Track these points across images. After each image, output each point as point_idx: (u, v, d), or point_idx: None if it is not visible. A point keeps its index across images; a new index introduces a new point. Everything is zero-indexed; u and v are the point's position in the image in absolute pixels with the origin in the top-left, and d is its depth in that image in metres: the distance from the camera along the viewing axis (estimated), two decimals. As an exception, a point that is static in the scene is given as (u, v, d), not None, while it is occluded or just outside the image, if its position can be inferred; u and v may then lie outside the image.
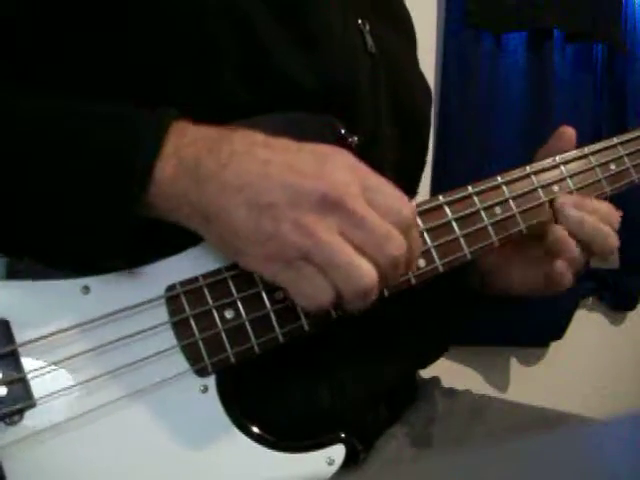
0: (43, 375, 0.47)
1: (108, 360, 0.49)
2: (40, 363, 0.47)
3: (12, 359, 0.47)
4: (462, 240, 0.60)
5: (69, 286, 0.49)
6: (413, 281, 0.57)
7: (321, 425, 0.55)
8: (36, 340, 0.47)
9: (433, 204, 0.59)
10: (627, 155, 0.72)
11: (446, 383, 0.81)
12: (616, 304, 1.94)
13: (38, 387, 0.47)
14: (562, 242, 0.64)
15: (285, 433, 0.53)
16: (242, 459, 0.51)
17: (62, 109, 0.50)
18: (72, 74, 0.55)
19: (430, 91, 0.81)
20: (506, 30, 1.60)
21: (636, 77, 1.84)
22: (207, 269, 0.52)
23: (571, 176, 0.67)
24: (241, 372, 0.52)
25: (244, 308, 0.52)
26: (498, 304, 0.79)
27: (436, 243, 0.58)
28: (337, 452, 0.54)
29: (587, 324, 1.90)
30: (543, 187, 0.65)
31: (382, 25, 0.69)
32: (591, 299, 1.92)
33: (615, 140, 0.72)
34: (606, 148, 0.71)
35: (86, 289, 0.49)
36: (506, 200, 0.63)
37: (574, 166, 0.68)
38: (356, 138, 0.56)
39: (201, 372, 0.51)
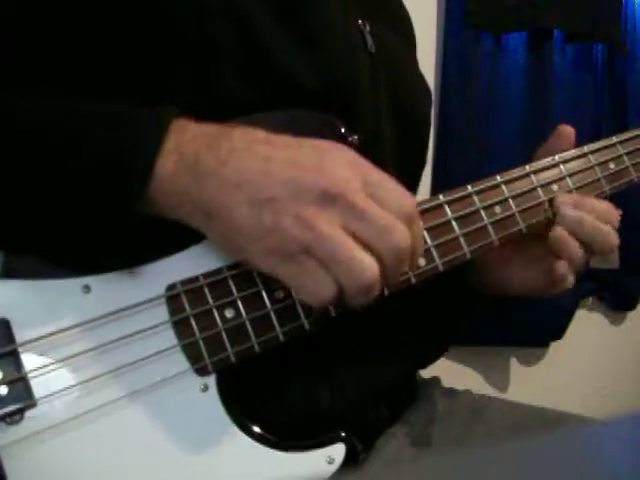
0: (44, 375, 0.47)
1: (109, 359, 0.49)
2: (41, 362, 0.47)
3: (12, 359, 0.47)
4: (462, 239, 0.60)
5: (69, 285, 0.49)
6: (413, 280, 0.57)
7: (321, 424, 0.55)
8: (36, 339, 0.47)
9: (433, 203, 0.59)
10: (626, 154, 0.72)
11: (446, 383, 0.81)
12: (616, 304, 1.94)
13: (39, 387, 0.47)
14: (562, 242, 0.64)
15: (285, 432, 0.53)
16: (242, 458, 0.51)
17: (62, 109, 0.50)
18: (72, 74, 0.55)
19: (430, 92, 0.81)
20: (506, 30, 1.60)
21: (636, 77, 1.84)
22: (207, 268, 0.52)
23: (570, 175, 0.67)
24: (241, 371, 0.52)
25: (244, 307, 0.52)
26: (498, 304, 0.79)
27: (436, 242, 0.58)
28: (337, 451, 0.54)
29: (587, 324, 1.90)
30: (542, 186, 0.66)
31: (382, 25, 0.69)
32: (591, 299, 1.92)
33: (614, 139, 0.72)
34: (605, 147, 0.71)
35: (87, 288, 0.49)
36: (506, 199, 0.63)
37: (573, 165, 0.68)
38: (356, 137, 0.57)
39: (201, 371, 0.51)
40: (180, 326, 0.50)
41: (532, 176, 0.66)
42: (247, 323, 0.51)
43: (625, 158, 0.72)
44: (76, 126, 0.49)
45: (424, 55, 0.87)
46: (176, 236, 0.51)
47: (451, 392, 0.79)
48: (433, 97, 0.83)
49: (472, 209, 0.61)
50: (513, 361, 1.80)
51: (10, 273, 0.48)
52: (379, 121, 0.66)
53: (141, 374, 0.49)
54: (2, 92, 0.52)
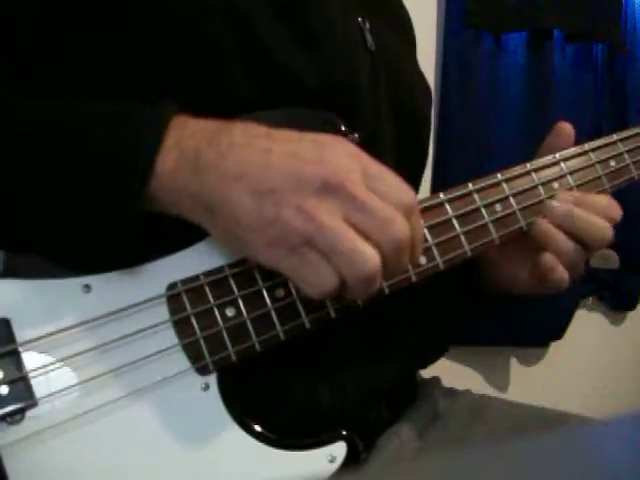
0: (44, 374, 0.47)
1: (109, 359, 0.49)
2: (41, 362, 0.47)
3: (13, 358, 0.47)
4: (463, 237, 0.60)
5: (70, 285, 0.49)
6: (414, 279, 0.57)
7: (322, 423, 0.55)
8: (37, 339, 0.47)
9: (433, 201, 0.59)
10: (627, 152, 0.72)
11: (446, 383, 0.81)
12: (616, 304, 1.94)
13: (39, 386, 0.47)
14: (546, 235, 0.63)
15: (286, 431, 0.53)
16: (243, 457, 0.51)
17: (62, 108, 0.50)
18: (72, 74, 0.55)
19: (430, 91, 0.81)
20: (506, 30, 1.60)
21: (636, 77, 1.84)
22: (208, 267, 0.52)
23: (571, 173, 0.67)
24: (242, 370, 0.52)
25: (245, 306, 0.52)
26: (499, 303, 0.79)
27: (437, 240, 0.58)
28: (338, 450, 0.54)
29: (587, 324, 1.90)
30: (543, 184, 0.66)
31: (382, 24, 0.69)
32: (591, 299, 1.92)
33: (615, 137, 0.72)
34: (606, 145, 0.71)
35: (87, 288, 0.49)
36: (506, 197, 0.63)
37: (574, 163, 0.68)
38: (356, 135, 0.57)
39: (202, 370, 0.51)
40: (181, 325, 0.50)
41: (533, 174, 0.65)
42: (248, 322, 0.51)
43: (626, 156, 0.72)
44: (76, 125, 0.49)
45: (424, 55, 0.87)
46: (176, 235, 0.51)
47: (451, 392, 0.79)
48: (433, 97, 0.83)
49: (473, 207, 0.61)
50: (513, 361, 1.80)
51: (11, 273, 0.48)
52: (379, 120, 0.66)
53: (142, 373, 0.49)
54: (2, 92, 0.52)
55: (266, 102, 0.55)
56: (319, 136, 0.49)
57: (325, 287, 0.46)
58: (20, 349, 0.47)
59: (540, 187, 0.65)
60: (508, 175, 0.64)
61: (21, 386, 0.46)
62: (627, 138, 0.72)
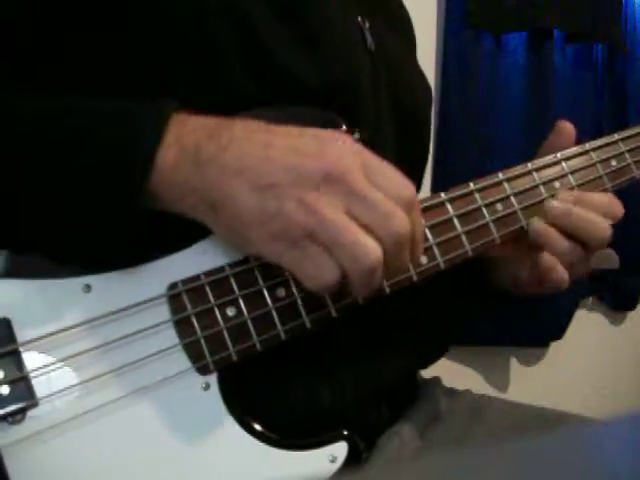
0: (45, 374, 0.47)
1: (110, 359, 0.49)
2: (42, 362, 0.47)
3: (14, 358, 0.47)
4: (463, 237, 0.60)
5: (71, 285, 0.49)
6: (415, 278, 0.57)
7: (323, 423, 0.55)
8: (38, 339, 0.47)
9: (434, 201, 0.60)
10: (628, 151, 0.72)
11: (446, 383, 0.81)
12: (616, 304, 1.94)
13: (40, 386, 0.47)
14: (540, 234, 0.63)
15: (287, 431, 0.53)
16: (244, 457, 0.51)
17: (62, 107, 0.50)
18: (72, 74, 0.55)
19: (430, 91, 0.81)
20: (506, 30, 1.60)
21: (636, 76, 1.84)
22: (208, 267, 0.52)
23: (572, 172, 0.67)
24: (243, 370, 0.52)
25: (246, 306, 0.52)
26: (499, 303, 0.79)
27: (438, 240, 0.58)
28: (340, 450, 0.53)
29: (587, 324, 1.90)
30: (544, 184, 0.66)
31: (381, 24, 0.69)
32: (591, 299, 1.92)
33: (616, 136, 0.72)
34: (607, 144, 0.71)
35: (88, 287, 0.49)
36: (507, 197, 0.63)
37: (575, 162, 0.68)
38: (357, 135, 0.57)
39: (203, 370, 0.51)
40: (181, 325, 0.50)
41: (534, 173, 0.65)
42: (249, 322, 0.51)
43: (627, 155, 0.72)
44: (76, 124, 0.49)
45: (424, 55, 0.87)
46: (176, 235, 0.51)
47: (451, 392, 0.79)
48: (433, 97, 0.83)
49: (474, 206, 0.61)
50: (513, 361, 1.80)
51: (11, 273, 0.48)
52: (380, 119, 0.66)
53: (142, 373, 0.49)
54: (2, 92, 0.52)
55: (266, 102, 0.55)
56: (320, 131, 0.49)
57: (327, 280, 0.46)
58: (21, 349, 0.47)
59: (541, 186, 0.65)
60: (509, 175, 0.64)
61: (22, 386, 0.46)
62: (628, 137, 0.72)
